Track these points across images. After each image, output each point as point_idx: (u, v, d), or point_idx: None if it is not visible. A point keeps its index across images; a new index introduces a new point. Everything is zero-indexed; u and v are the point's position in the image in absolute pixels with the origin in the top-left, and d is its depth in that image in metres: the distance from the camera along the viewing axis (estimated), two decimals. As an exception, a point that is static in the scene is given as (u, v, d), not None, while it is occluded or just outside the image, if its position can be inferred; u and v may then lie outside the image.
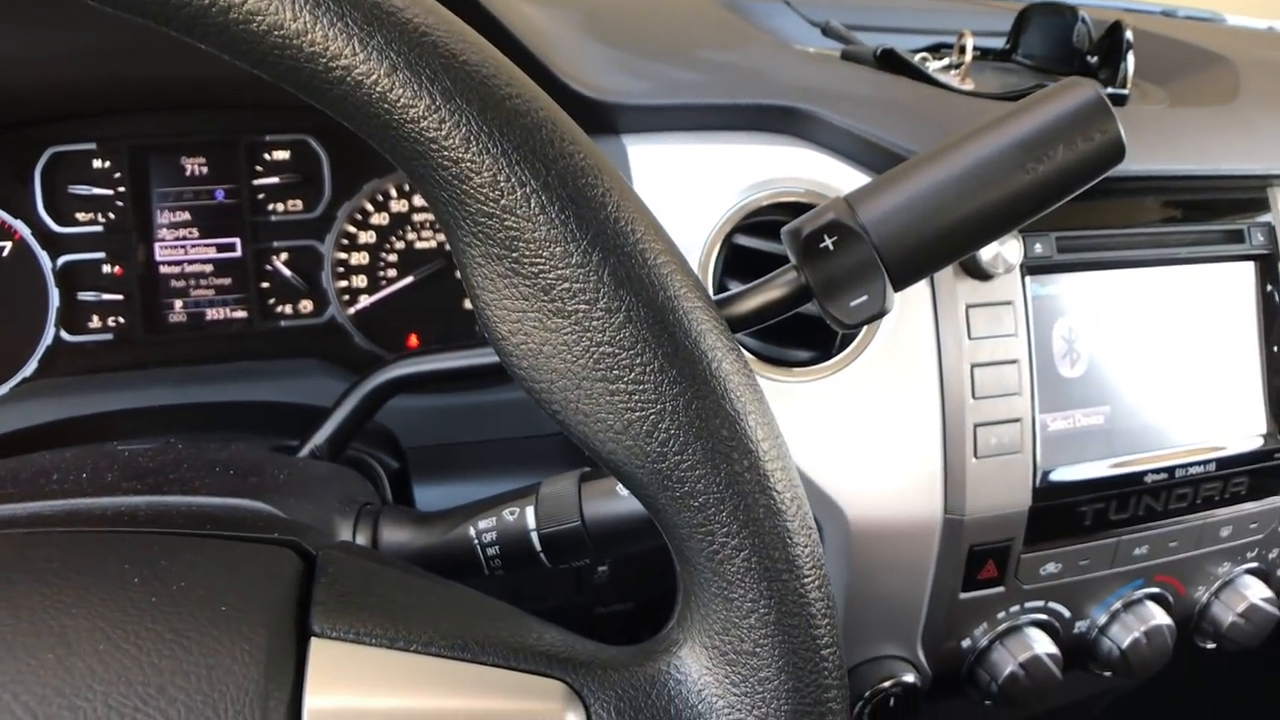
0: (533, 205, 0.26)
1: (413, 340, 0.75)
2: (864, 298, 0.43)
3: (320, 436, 0.54)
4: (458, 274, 0.75)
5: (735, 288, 0.45)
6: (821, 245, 0.43)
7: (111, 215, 0.71)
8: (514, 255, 0.27)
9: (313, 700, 0.28)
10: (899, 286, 0.44)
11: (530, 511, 0.44)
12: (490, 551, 0.44)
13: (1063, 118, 0.43)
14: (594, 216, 0.27)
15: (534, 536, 0.44)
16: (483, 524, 0.44)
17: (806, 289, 0.44)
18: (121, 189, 0.71)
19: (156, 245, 0.72)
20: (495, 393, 0.69)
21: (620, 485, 0.44)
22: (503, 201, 0.26)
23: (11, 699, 0.26)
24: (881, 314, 0.44)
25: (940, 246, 0.44)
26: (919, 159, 0.44)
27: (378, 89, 0.25)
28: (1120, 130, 0.42)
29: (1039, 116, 0.43)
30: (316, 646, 0.29)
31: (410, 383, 0.54)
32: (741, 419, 0.28)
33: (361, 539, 0.44)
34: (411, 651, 0.29)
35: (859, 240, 0.43)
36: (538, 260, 0.27)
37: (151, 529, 0.35)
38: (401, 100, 0.25)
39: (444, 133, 0.26)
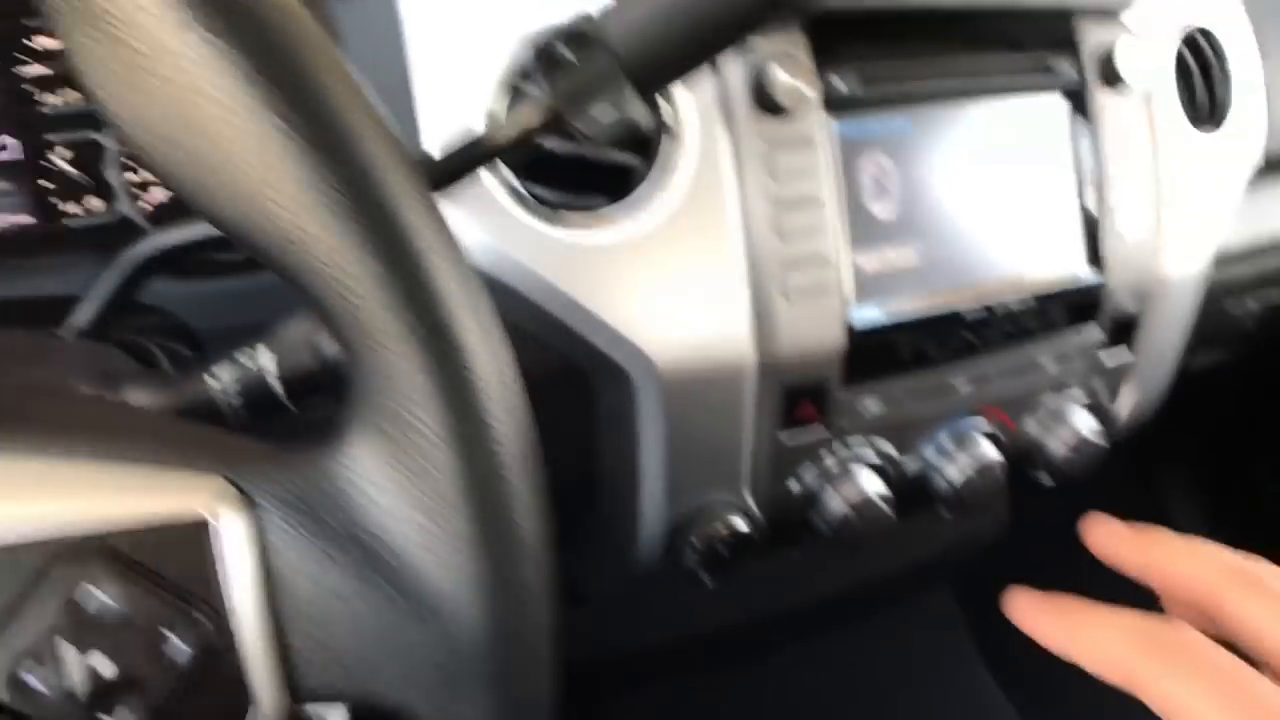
0: None
1: (212, 231, 0.71)
2: (607, 106, 0.42)
3: (80, 316, 0.51)
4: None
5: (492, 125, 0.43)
6: (558, 54, 0.42)
7: None
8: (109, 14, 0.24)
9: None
10: (645, 91, 0.42)
11: (266, 353, 0.42)
12: (235, 402, 0.42)
13: None
14: None
15: (273, 380, 0.41)
16: (221, 371, 0.42)
17: (556, 109, 0.42)
18: (-127, 87, 0.66)
19: (-79, 147, 0.67)
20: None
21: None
22: None
23: None
24: (629, 123, 0.42)
25: (685, 48, 0.42)
26: None
27: None
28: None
29: None
30: None
31: (178, 253, 0.51)
32: (368, 159, 0.26)
33: (104, 403, 0.42)
34: (46, 458, 0.27)
35: (595, 47, 0.41)
36: (118, 10, 0.24)
37: None
38: None
39: None
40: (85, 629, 0.26)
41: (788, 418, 0.64)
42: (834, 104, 0.63)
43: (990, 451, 0.71)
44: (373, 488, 0.28)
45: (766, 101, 0.60)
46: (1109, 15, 0.75)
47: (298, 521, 0.28)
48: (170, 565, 0.27)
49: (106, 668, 0.25)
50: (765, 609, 0.95)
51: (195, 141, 0.25)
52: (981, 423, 0.72)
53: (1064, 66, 0.72)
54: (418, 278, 0.27)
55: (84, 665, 0.25)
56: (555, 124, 0.43)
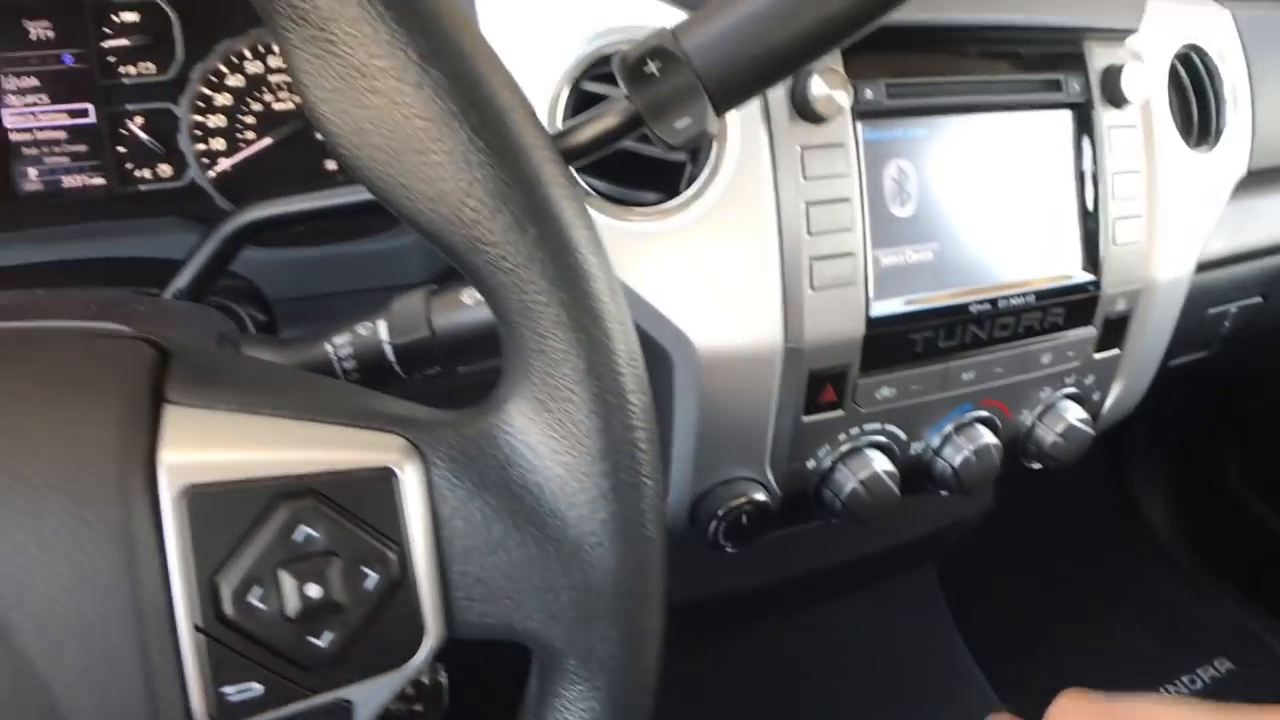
0: None
1: (275, 202, 0.76)
2: (688, 119, 0.47)
3: (181, 280, 0.55)
4: (317, 134, 0.76)
5: (570, 122, 0.48)
6: (646, 70, 0.46)
7: (-45, 81, 0.70)
8: (328, 35, 0.29)
9: (168, 455, 0.31)
10: (721, 108, 0.47)
11: (383, 324, 0.47)
12: (348, 365, 0.47)
13: None
14: None
15: (387, 348, 0.47)
16: (339, 339, 0.47)
17: (637, 115, 0.47)
18: (-36, 54, 0.70)
19: (5, 112, 0.71)
20: (357, 244, 0.71)
21: (465, 294, 0.48)
22: None
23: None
24: (705, 135, 0.47)
25: (758, 67, 0.47)
26: None
27: None
28: (919, -42, 0.46)
29: None
30: (170, 411, 0.32)
31: (268, 225, 0.56)
32: (544, 185, 0.32)
33: (223, 361, 0.47)
34: (260, 414, 0.32)
35: (680, 64, 0.46)
36: (350, 39, 0.29)
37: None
38: None
39: None
40: (299, 559, 0.31)
41: (810, 402, 0.69)
42: (862, 112, 0.69)
43: (988, 437, 0.77)
44: (526, 448, 0.33)
45: (805, 110, 0.65)
46: (1116, 36, 0.80)
47: (463, 474, 0.33)
48: (364, 507, 0.32)
49: (315, 593, 0.31)
50: (763, 578, 1.01)
51: (403, 153, 0.30)
52: (981, 411, 0.78)
53: (1071, 84, 0.78)
54: (580, 279, 0.32)
55: (298, 591, 0.31)
56: (632, 128, 0.48)
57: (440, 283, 0.50)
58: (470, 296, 0.47)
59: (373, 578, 0.32)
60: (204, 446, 0.31)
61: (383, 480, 0.32)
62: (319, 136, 0.76)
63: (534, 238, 0.31)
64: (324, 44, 0.30)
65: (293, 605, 0.31)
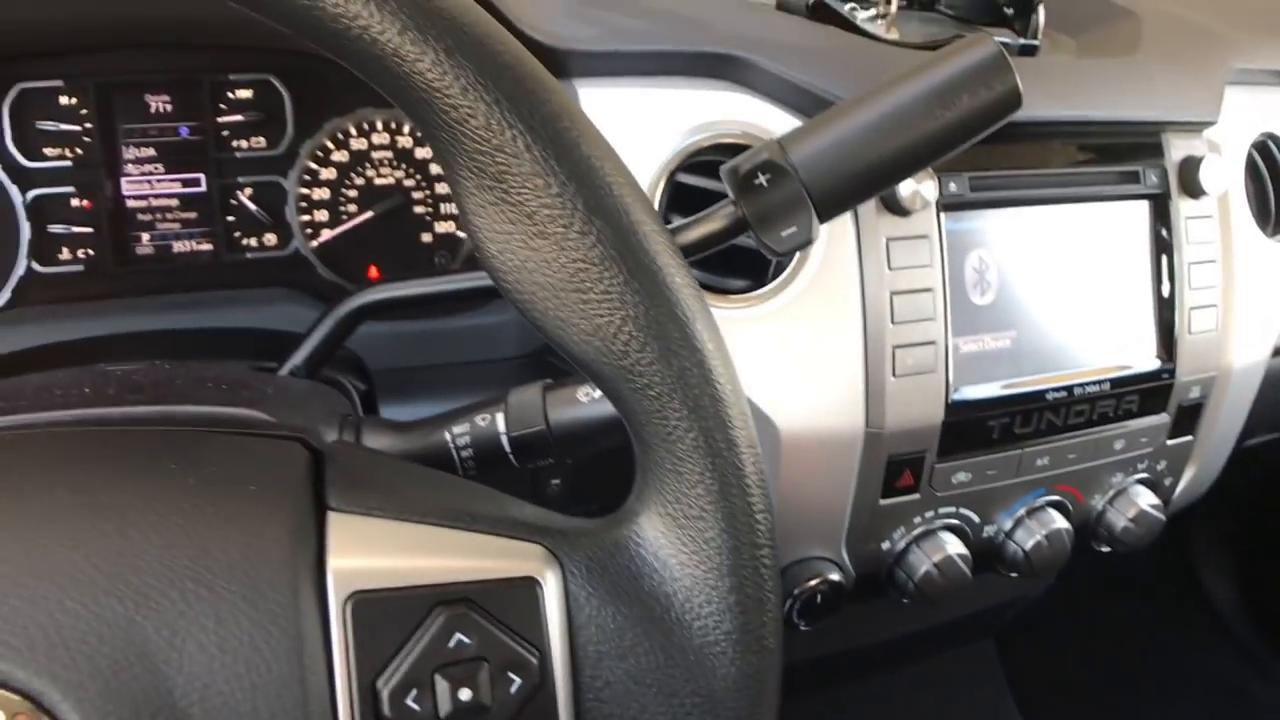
0: (519, 145, 0.32)
1: (373, 271, 0.79)
2: (793, 228, 0.49)
3: (298, 358, 0.58)
4: (415, 209, 0.79)
5: (678, 222, 0.50)
6: (756, 181, 0.49)
7: (79, 150, 0.74)
8: (503, 186, 0.32)
9: (335, 561, 0.33)
10: (824, 218, 0.50)
11: (500, 417, 0.49)
12: (464, 454, 0.49)
13: (967, 70, 0.49)
14: (569, 155, 0.32)
15: (504, 439, 0.49)
16: (457, 429, 0.49)
17: (743, 221, 0.49)
18: (89, 125, 0.74)
19: (123, 180, 0.75)
20: (456, 319, 0.74)
21: (580, 392, 0.50)
22: (494, 141, 0.31)
23: (81, 559, 0.31)
24: (809, 243, 0.49)
25: (860, 182, 0.49)
26: (843, 105, 0.50)
27: (390, 46, 0.30)
28: (1017, 82, 0.48)
29: (947, 69, 0.49)
30: (334, 518, 0.34)
31: (382, 308, 0.58)
32: (690, 323, 0.34)
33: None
34: (414, 522, 0.35)
35: (789, 177, 0.48)
36: (523, 191, 0.32)
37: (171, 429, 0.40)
38: (411, 56, 0.30)
39: (445, 83, 0.31)
40: (452, 664, 0.33)
41: (888, 485, 0.71)
42: (947, 204, 0.71)
43: (1060, 522, 0.78)
44: (657, 560, 0.35)
45: (892, 203, 0.67)
46: (1194, 128, 0.82)
47: (597, 583, 0.35)
48: (510, 614, 0.34)
49: (466, 696, 0.33)
50: (823, 650, 1.02)
51: (564, 291, 0.33)
52: (1054, 495, 0.79)
53: (1149, 175, 0.79)
54: (718, 408, 0.34)
55: (450, 694, 0.33)
56: (738, 233, 0.50)
57: (535, 359, 0.52)
58: (585, 394, 0.50)
59: (517, 682, 0.34)
60: (366, 553, 0.33)
61: (527, 588, 0.35)
62: (417, 211, 0.80)
63: (679, 370, 0.33)
64: (499, 192, 0.32)
65: (445, 708, 0.33)
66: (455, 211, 0.80)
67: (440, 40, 0.30)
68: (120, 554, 0.31)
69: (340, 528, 0.34)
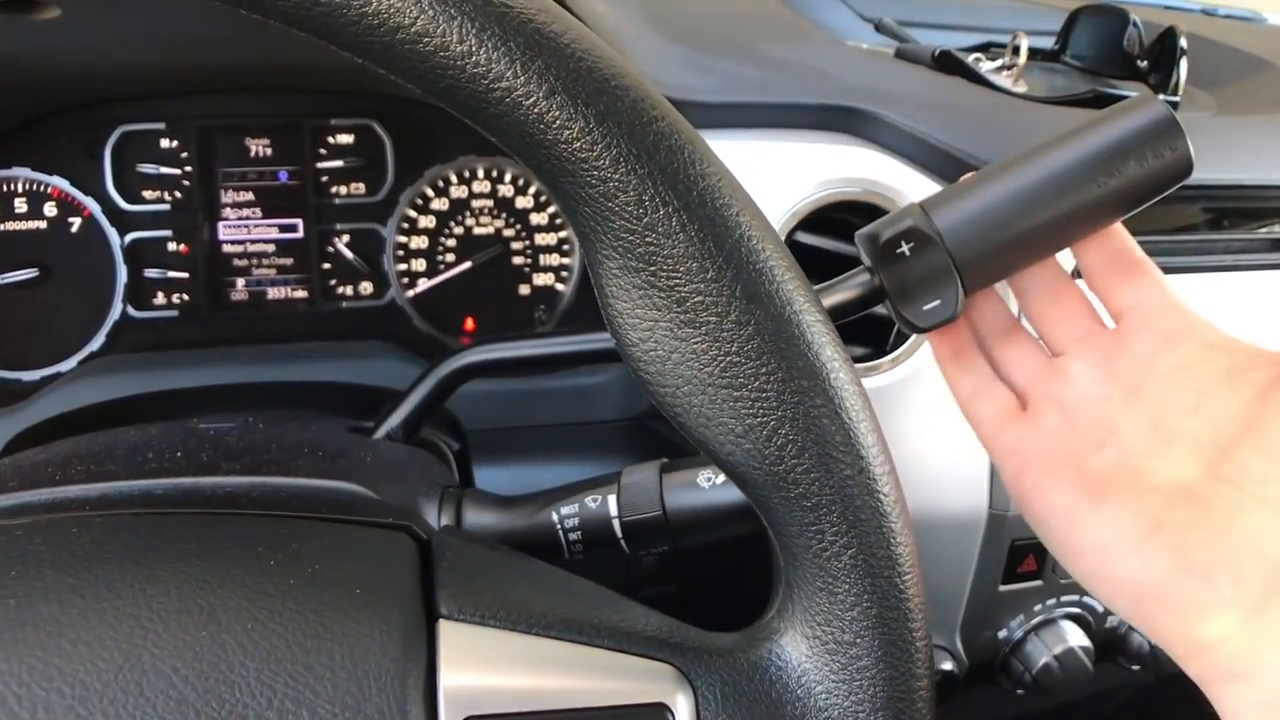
0: (674, 224, 0.28)
1: (470, 323, 0.76)
2: (936, 302, 0.45)
3: (395, 419, 0.55)
4: (514, 259, 0.77)
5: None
6: (898, 250, 0.45)
7: (178, 194, 0.73)
8: (652, 269, 0.29)
9: (447, 678, 0.30)
10: (970, 291, 0.45)
11: (613, 500, 0.46)
12: (572, 536, 0.46)
13: (1135, 133, 0.44)
14: (729, 235, 0.29)
15: (616, 524, 0.45)
16: (565, 510, 0.46)
17: (879, 291, 0.45)
18: (188, 168, 0.73)
19: (221, 225, 0.74)
20: (553, 379, 0.71)
21: (701, 476, 0.46)
22: (645, 219, 0.28)
23: (172, 673, 0.28)
24: (953, 319, 0.45)
25: (1012, 255, 0.45)
26: (992, 168, 0.46)
27: (535, 110, 0.27)
28: (1190, 147, 0.44)
29: (1111, 132, 0.44)
30: (445, 628, 0.31)
31: (485, 369, 0.56)
32: (854, 427, 0.30)
33: (446, 520, 0.46)
34: (532, 634, 0.31)
35: (934, 246, 0.44)
36: (675, 275, 0.29)
37: (269, 511, 0.37)
38: (558, 122, 0.27)
39: (595, 153, 0.27)
40: None
41: (1009, 571, 0.66)
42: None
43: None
44: (800, 687, 0.31)
45: (1025, 269, 0.63)
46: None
47: (734, 711, 0.31)
48: (644, 744, 0.31)
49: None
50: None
51: (712, 386, 0.29)
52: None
53: (1296, 242, 0.73)
54: (880, 521, 0.30)
55: None
56: (873, 304, 0.46)
57: (670, 457, 0.49)
58: (705, 479, 0.46)
59: None
60: (481, 670, 0.30)
61: (656, 715, 0.31)
62: (516, 262, 0.77)
63: (840, 480, 0.30)
64: (646, 275, 0.29)
65: None
66: (555, 264, 0.77)
67: (591, 105, 0.27)
68: (214, 666, 0.28)
69: (452, 638, 0.30)
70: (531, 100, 0.27)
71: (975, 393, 0.47)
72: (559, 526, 0.46)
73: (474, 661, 0.30)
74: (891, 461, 0.32)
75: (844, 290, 0.46)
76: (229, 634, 0.29)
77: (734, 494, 0.46)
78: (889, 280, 0.45)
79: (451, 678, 0.30)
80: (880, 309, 0.46)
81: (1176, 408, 0.41)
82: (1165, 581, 0.36)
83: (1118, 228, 0.47)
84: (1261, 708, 0.33)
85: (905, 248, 0.45)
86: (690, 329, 0.29)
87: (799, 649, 0.32)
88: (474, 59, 0.26)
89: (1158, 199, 0.46)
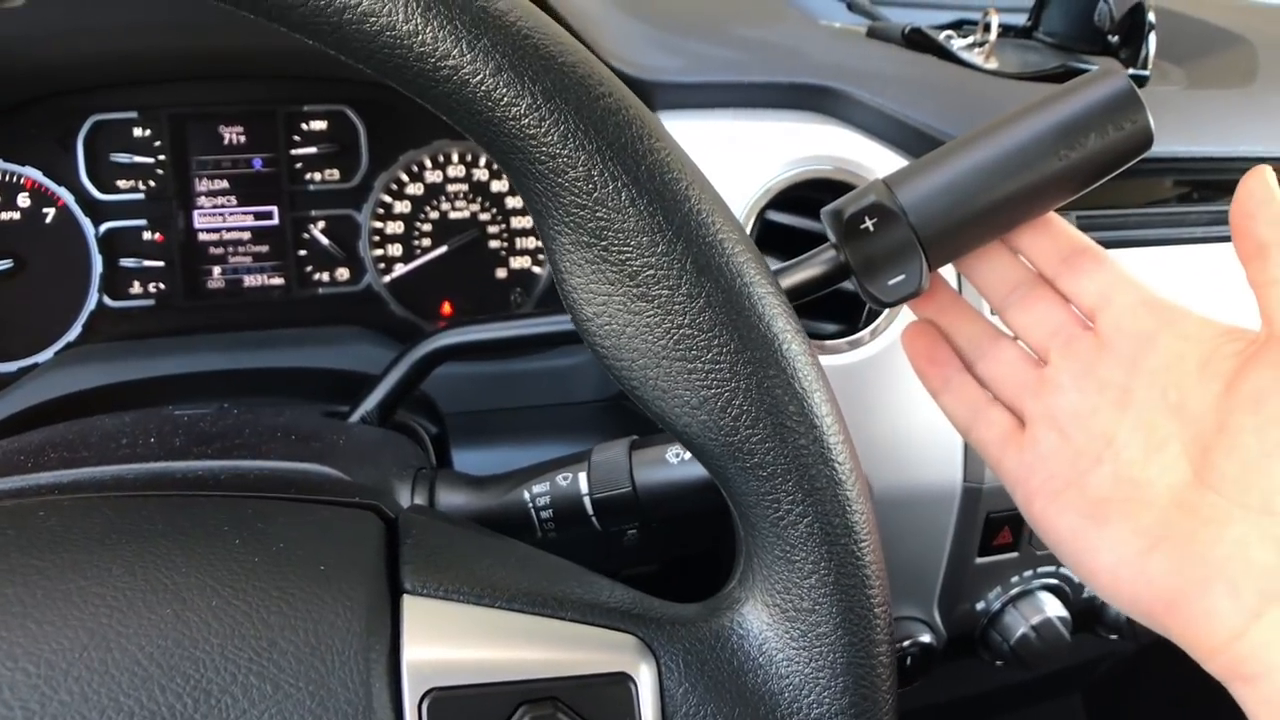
0: (623, 198, 0.28)
1: (446, 308, 0.76)
2: (901, 277, 0.45)
3: (370, 403, 0.56)
4: (490, 244, 0.77)
5: (773, 266, 0.47)
6: (862, 226, 0.45)
7: (152, 183, 0.73)
8: (603, 244, 0.29)
9: (410, 652, 0.30)
10: (935, 266, 0.46)
11: (583, 477, 0.46)
12: (544, 515, 0.46)
13: (1095, 106, 0.44)
14: (678, 209, 0.29)
15: (586, 501, 0.46)
16: (537, 488, 0.46)
17: (845, 267, 0.46)
18: (162, 157, 0.73)
19: (196, 213, 0.74)
20: (529, 361, 0.71)
21: (669, 452, 0.47)
22: (595, 194, 0.28)
23: (137, 650, 0.28)
24: (918, 293, 0.46)
25: (975, 229, 0.46)
26: (955, 144, 0.46)
27: (482, 88, 0.27)
28: (1149, 119, 0.44)
29: (1072, 104, 0.45)
30: (409, 603, 0.31)
31: (458, 351, 0.56)
32: (808, 397, 0.30)
33: (419, 500, 0.46)
34: (496, 608, 0.32)
35: (898, 222, 0.45)
36: (625, 249, 0.29)
37: (237, 493, 0.37)
38: (505, 99, 0.27)
39: (543, 130, 0.27)
40: None
41: (985, 543, 0.66)
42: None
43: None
44: (761, 655, 0.32)
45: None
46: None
47: (696, 678, 0.32)
48: (601, 713, 0.31)
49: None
50: (902, 704, 0.97)
51: (666, 359, 0.30)
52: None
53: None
54: (836, 489, 0.31)
55: None
56: (839, 279, 0.47)
57: (640, 434, 0.49)
58: (674, 455, 0.46)
59: None
60: (444, 644, 0.30)
61: (619, 684, 0.31)
62: (492, 245, 0.77)
63: (794, 448, 0.30)
64: (598, 250, 0.29)
65: None
66: (531, 246, 0.77)
67: (538, 82, 0.27)
68: (179, 643, 0.29)
69: (416, 613, 0.31)
70: (479, 78, 0.27)
71: (974, 421, 0.47)
72: (531, 505, 0.46)
73: (437, 635, 0.31)
74: (846, 430, 0.32)
75: (810, 267, 0.47)
76: (193, 611, 0.29)
77: (701, 469, 0.46)
78: (854, 256, 0.45)
79: (415, 651, 0.30)
80: (849, 285, 0.46)
81: (1161, 409, 0.42)
82: (1171, 597, 0.38)
83: (1052, 217, 0.47)
84: (1274, 705, 0.35)
85: (869, 223, 0.45)
86: (643, 303, 0.29)
87: (760, 617, 0.32)
88: (420, 38, 0.26)
89: (1120, 171, 0.46)
